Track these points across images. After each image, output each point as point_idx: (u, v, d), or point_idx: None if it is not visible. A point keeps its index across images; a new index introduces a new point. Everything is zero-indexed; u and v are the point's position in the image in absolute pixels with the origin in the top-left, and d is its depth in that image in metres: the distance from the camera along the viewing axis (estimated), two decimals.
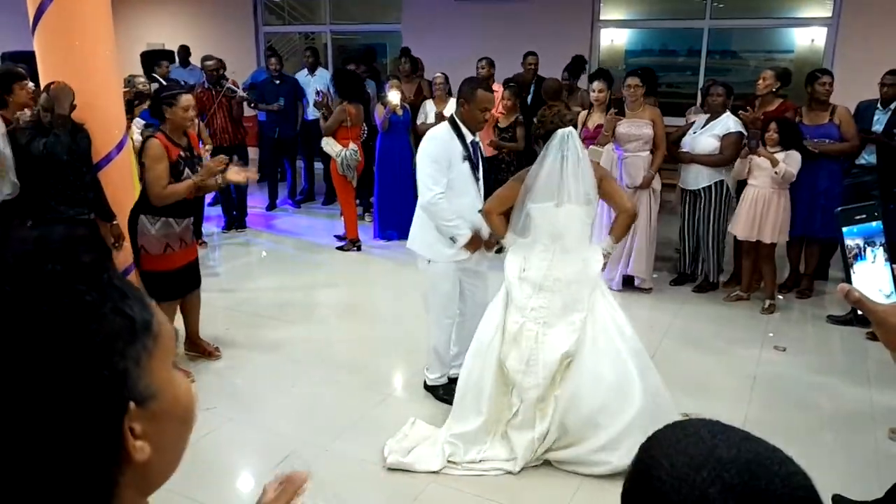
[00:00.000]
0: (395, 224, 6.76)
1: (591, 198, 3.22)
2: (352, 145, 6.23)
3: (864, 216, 1.00)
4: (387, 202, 6.73)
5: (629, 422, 3.02)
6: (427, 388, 3.86)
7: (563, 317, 3.16)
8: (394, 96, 6.38)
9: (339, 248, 6.49)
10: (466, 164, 3.47)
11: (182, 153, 3.72)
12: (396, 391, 4.04)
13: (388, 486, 3.07)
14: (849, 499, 2.77)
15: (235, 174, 3.90)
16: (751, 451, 0.64)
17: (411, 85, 7.17)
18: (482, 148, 3.81)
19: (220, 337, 4.44)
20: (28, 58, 5.35)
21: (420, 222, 3.59)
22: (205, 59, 6.88)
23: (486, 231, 3.52)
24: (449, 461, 3.16)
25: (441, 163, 3.41)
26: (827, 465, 3.07)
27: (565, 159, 3.14)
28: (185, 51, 8.40)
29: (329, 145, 6.26)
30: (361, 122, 6.32)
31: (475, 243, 3.50)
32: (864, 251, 1.01)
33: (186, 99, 3.69)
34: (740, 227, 4.98)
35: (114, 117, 4.29)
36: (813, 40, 7.95)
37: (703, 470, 0.62)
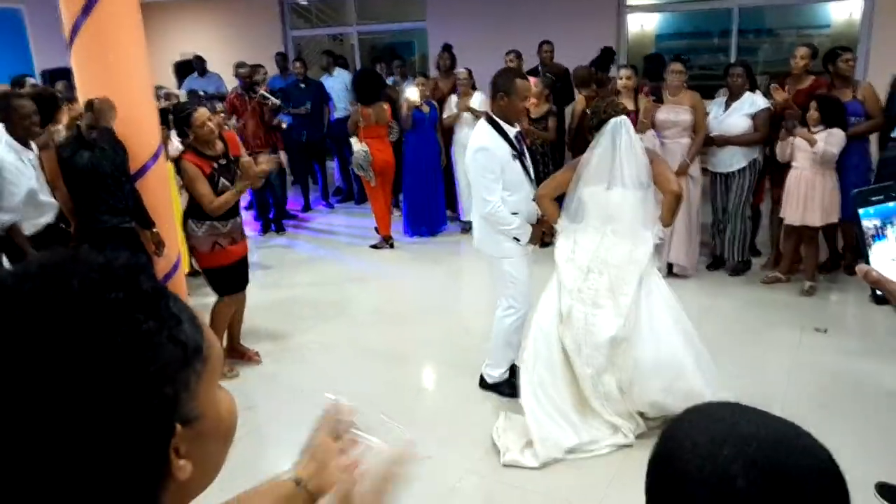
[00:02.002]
0: (424, 220, 6.83)
1: (645, 182, 3.28)
2: (362, 145, 6.26)
3: (881, 197, 1.01)
4: (415, 199, 6.78)
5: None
6: (487, 386, 3.82)
7: (610, 298, 3.22)
8: (411, 93, 6.43)
9: (373, 247, 6.56)
10: (517, 162, 3.47)
11: (215, 164, 3.87)
12: (439, 385, 4.09)
13: (426, 475, 3.12)
14: (893, 485, 2.72)
15: (266, 164, 4.20)
16: (770, 427, 0.66)
17: (448, 80, 7.19)
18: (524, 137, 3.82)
19: (260, 335, 4.55)
20: (66, 74, 5.55)
21: (483, 224, 3.60)
22: (238, 65, 7.02)
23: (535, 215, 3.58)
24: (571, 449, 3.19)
25: (494, 171, 3.39)
26: (869, 449, 3.01)
27: (617, 146, 3.25)
28: (200, 60, 8.58)
29: (353, 145, 6.35)
30: (384, 121, 6.32)
31: (538, 233, 3.57)
32: (883, 231, 1.01)
33: (199, 116, 3.83)
34: (789, 210, 4.86)
35: (149, 129, 4.40)
36: (850, 13, 7.73)
37: (724, 447, 0.63)
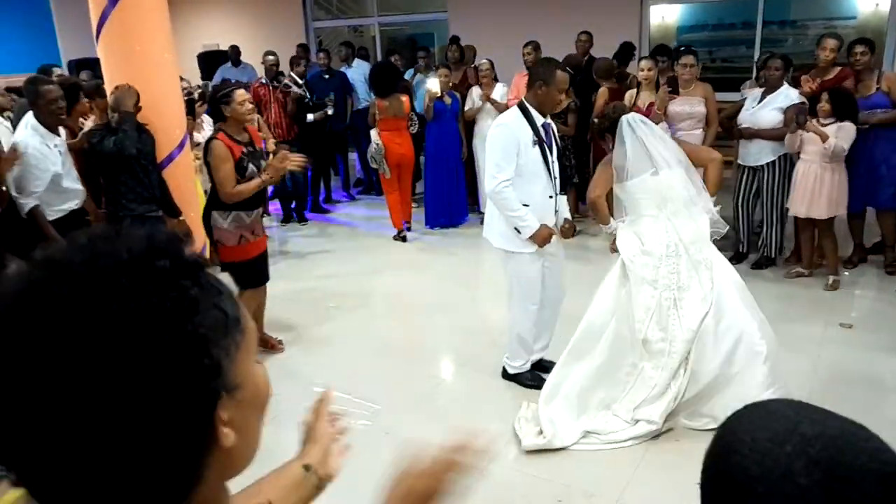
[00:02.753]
0: (444, 212, 6.84)
1: (683, 160, 3.36)
2: (376, 137, 6.26)
3: None
4: (436, 190, 6.80)
5: (759, 371, 3.18)
6: (509, 376, 3.83)
7: (693, 277, 3.26)
8: (432, 83, 6.42)
9: (395, 238, 6.59)
10: (537, 149, 3.41)
11: (245, 150, 3.84)
12: (458, 377, 4.11)
13: None
14: None
15: (295, 163, 4.01)
16: (836, 427, 0.64)
17: (458, 73, 7.20)
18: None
19: (282, 325, 4.60)
20: (93, 64, 5.63)
21: (495, 212, 3.55)
22: (267, 53, 7.08)
23: (551, 221, 3.49)
24: (588, 431, 3.23)
25: (509, 150, 3.35)
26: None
27: (641, 136, 3.35)
28: (235, 51, 8.63)
29: (371, 137, 6.38)
30: (401, 113, 6.27)
31: (543, 236, 3.41)
32: None
33: (240, 94, 3.79)
34: (795, 203, 4.84)
35: (175, 118, 4.46)
36: (877, 4, 7.61)
37: (786, 445, 0.62)
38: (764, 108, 5.04)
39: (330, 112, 7.17)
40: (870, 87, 4.85)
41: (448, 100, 6.56)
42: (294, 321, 4.76)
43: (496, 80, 6.66)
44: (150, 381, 0.56)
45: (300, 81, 7.17)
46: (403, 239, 6.56)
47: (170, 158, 4.35)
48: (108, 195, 4.03)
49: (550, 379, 3.40)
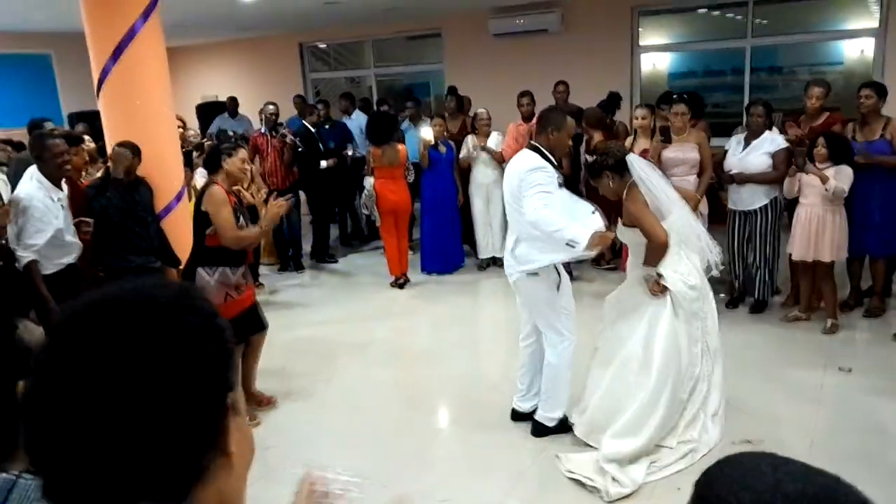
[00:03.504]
0: (441, 257, 6.87)
1: (681, 199, 3.59)
2: (370, 185, 6.41)
3: None
4: (432, 236, 6.84)
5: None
6: (545, 431, 3.68)
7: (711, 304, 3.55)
8: (425, 132, 6.53)
9: (392, 284, 6.60)
10: (564, 190, 3.52)
11: (235, 203, 3.86)
12: (457, 427, 4.06)
13: None
14: None
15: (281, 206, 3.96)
16: (816, 483, 0.64)
17: (456, 122, 7.32)
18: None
19: (277, 375, 4.56)
20: (91, 117, 5.70)
21: (532, 250, 3.45)
22: (267, 104, 7.20)
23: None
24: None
25: (549, 190, 3.36)
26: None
27: (647, 176, 3.46)
28: (233, 102, 8.77)
29: (366, 185, 6.51)
30: (396, 162, 6.33)
31: (603, 236, 3.34)
32: None
33: (243, 153, 3.86)
34: (796, 247, 4.87)
35: (173, 170, 4.51)
36: (862, 51, 7.79)
37: None
38: (752, 153, 5.11)
39: (350, 153, 7.39)
40: (875, 132, 4.89)
41: (443, 148, 6.66)
42: (289, 370, 4.72)
43: (489, 128, 6.78)
44: (193, 388, 0.69)
45: (312, 130, 7.30)
46: (401, 286, 6.56)
47: (168, 209, 4.39)
48: (107, 248, 4.04)
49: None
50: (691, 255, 3.51)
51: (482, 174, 6.74)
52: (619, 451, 3.26)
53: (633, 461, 3.26)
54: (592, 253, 3.43)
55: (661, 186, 3.50)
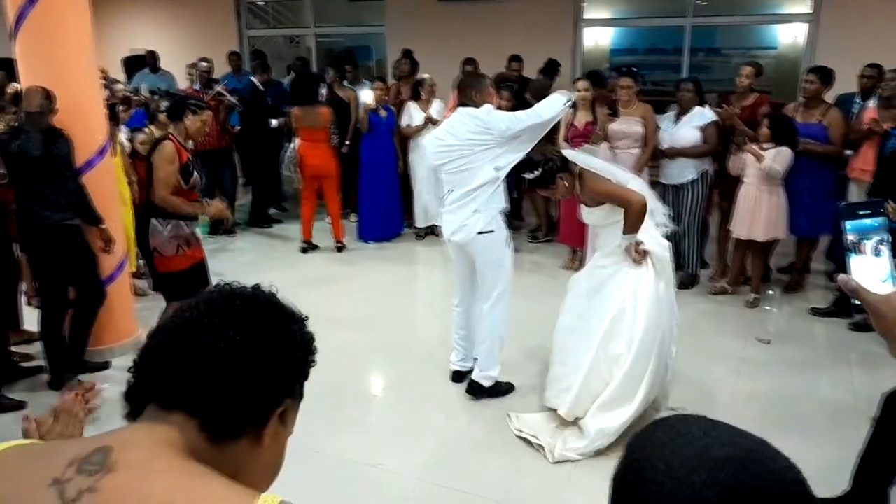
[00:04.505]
0: (380, 225, 6.80)
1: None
2: (294, 146, 6.32)
3: (868, 212, 1.04)
4: (371, 203, 6.75)
5: None
6: (484, 392, 3.74)
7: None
8: (366, 95, 6.41)
9: (301, 250, 6.55)
10: None
11: (190, 157, 3.81)
12: (391, 393, 4.05)
13: (378, 485, 3.09)
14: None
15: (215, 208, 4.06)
16: (743, 447, 0.65)
17: (408, 86, 7.19)
18: None
19: None
20: (8, 65, 5.34)
21: (479, 202, 3.53)
22: (200, 60, 6.93)
23: None
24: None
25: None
26: (813, 456, 3.08)
27: (590, 164, 3.56)
28: (153, 56, 8.41)
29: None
30: (317, 125, 6.20)
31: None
32: (861, 246, 1.03)
33: (209, 115, 3.90)
34: (736, 224, 4.99)
35: (95, 123, 4.27)
36: (795, 37, 8.02)
37: (699, 472, 0.63)
38: (683, 128, 5.21)
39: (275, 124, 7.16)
40: (813, 116, 5.02)
41: (384, 113, 6.55)
42: None
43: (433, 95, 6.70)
44: (276, 364, 0.90)
45: (262, 88, 7.05)
46: (303, 250, 6.53)
47: (89, 164, 4.15)
48: (21, 202, 3.80)
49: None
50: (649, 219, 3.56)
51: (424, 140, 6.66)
52: (612, 425, 3.23)
53: (624, 434, 3.24)
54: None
55: (607, 167, 3.57)
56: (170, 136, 3.78)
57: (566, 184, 3.47)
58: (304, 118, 6.18)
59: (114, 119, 4.84)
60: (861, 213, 1.04)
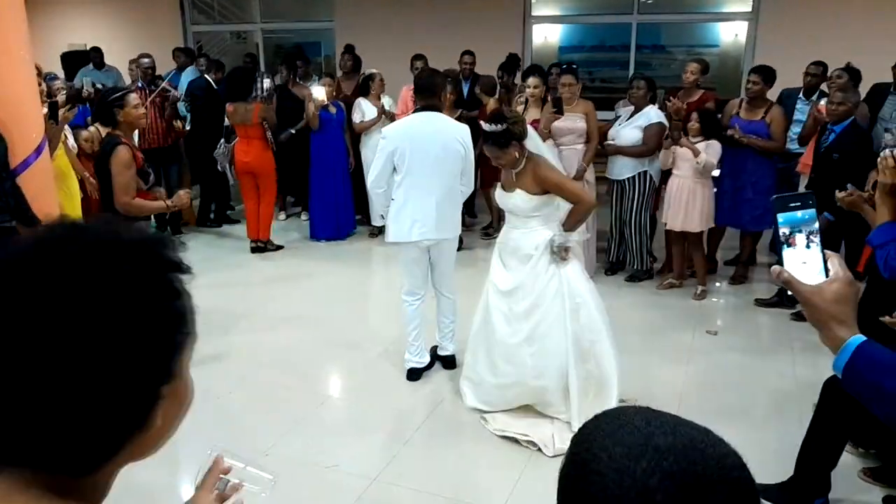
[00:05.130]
0: (331, 224, 6.72)
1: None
2: (222, 142, 6.31)
3: (798, 204, 1.05)
4: (322, 201, 6.67)
5: None
6: (452, 364, 4.06)
7: None
8: (318, 92, 6.33)
9: (252, 250, 6.46)
10: None
11: (142, 159, 3.74)
12: (345, 392, 4.01)
13: (332, 485, 3.05)
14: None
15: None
16: (685, 436, 0.66)
17: (351, 82, 7.12)
18: None
19: None
20: None
21: (449, 208, 3.79)
22: (141, 56, 6.73)
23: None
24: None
25: None
26: (759, 443, 3.19)
27: (542, 150, 3.57)
28: (98, 52, 8.15)
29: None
30: (248, 121, 6.09)
31: None
32: (793, 239, 1.05)
33: (134, 97, 3.78)
34: (670, 217, 5.12)
35: (31, 122, 4.09)
36: (736, 35, 8.24)
37: (642, 460, 0.63)
38: (627, 127, 5.31)
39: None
40: (757, 114, 5.18)
41: (333, 109, 6.48)
42: None
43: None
44: (131, 342, 0.63)
45: (215, 86, 6.88)
46: (254, 250, 6.43)
47: (25, 164, 3.98)
48: None
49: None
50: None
51: (377, 138, 6.57)
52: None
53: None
54: None
55: (558, 164, 3.64)
56: (123, 140, 3.67)
57: (517, 154, 3.37)
58: (236, 114, 6.10)
59: (53, 118, 4.66)
60: (792, 205, 1.06)
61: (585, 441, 0.69)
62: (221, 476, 1.13)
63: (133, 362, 0.63)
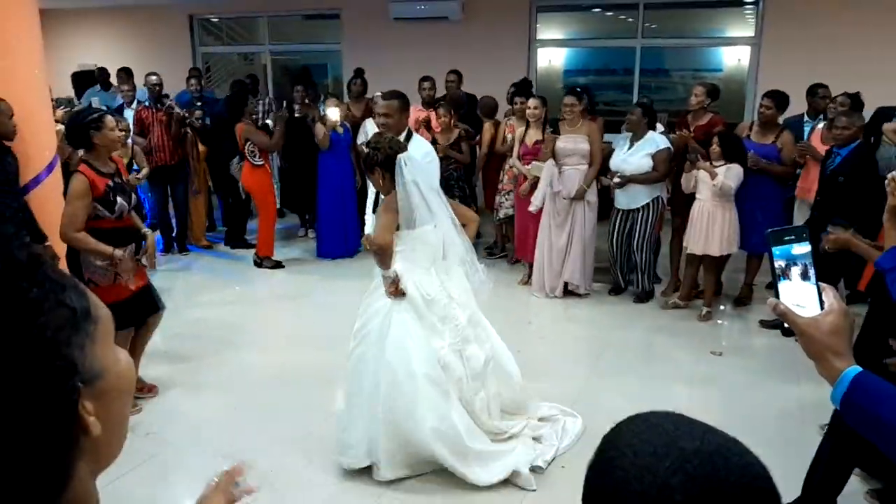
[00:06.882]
0: (339, 242, 6.75)
1: (452, 215, 3.20)
2: (236, 158, 6.45)
3: (792, 237, 1.07)
4: (329, 220, 6.71)
5: None
6: None
7: (471, 332, 3.28)
8: (333, 113, 6.39)
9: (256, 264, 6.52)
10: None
11: (110, 182, 3.55)
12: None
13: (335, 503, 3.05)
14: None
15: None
16: (712, 442, 0.67)
17: (360, 105, 7.19)
18: None
19: (163, 361, 4.33)
20: None
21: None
22: (149, 74, 6.81)
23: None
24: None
25: None
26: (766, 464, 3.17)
27: (419, 181, 3.10)
28: (103, 73, 8.22)
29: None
30: (247, 141, 6.21)
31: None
32: (788, 272, 1.07)
33: (110, 119, 3.57)
34: (692, 240, 5.10)
35: (43, 139, 4.17)
36: (739, 59, 8.31)
37: (665, 460, 0.64)
38: (634, 155, 5.30)
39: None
40: (768, 138, 5.21)
41: (341, 130, 6.55)
42: (172, 356, 4.49)
43: None
44: (3, 389, 0.54)
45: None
46: (258, 265, 6.53)
47: (36, 181, 4.06)
48: None
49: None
50: (452, 268, 3.26)
51: None
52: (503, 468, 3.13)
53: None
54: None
55: (432, 198, 3.15)
56: (81, 166, 3.47)
57: (381, 182, 3.17)
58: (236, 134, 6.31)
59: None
60: (787, 238, 1.07)
61: (615, 438, 0.70)
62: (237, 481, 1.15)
63: (22, 401, 0.55)
